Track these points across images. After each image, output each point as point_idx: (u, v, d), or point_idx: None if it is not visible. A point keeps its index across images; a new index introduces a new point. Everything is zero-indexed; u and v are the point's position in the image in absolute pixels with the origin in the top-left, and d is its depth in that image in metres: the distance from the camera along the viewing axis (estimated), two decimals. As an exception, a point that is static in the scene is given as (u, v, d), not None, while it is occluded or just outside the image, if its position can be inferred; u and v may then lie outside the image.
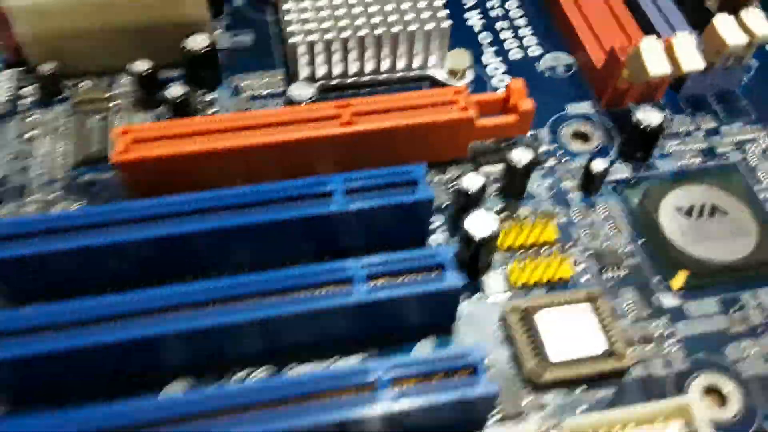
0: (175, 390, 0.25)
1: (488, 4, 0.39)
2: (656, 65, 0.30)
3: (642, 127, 0.30)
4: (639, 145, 0.31)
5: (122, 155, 0.28)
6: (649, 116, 0.31)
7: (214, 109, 0.33)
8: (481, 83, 0.35)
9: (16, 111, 0.33)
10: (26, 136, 0.32)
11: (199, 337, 0.24)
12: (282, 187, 0.27)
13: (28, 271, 0.25)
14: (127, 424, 0.21)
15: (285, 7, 0.33)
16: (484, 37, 0.37)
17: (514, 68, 0.36)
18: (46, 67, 0.33)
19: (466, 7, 0.39)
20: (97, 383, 0.25)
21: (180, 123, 0.29)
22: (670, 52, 0.31)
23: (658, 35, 0.33)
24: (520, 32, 0.38)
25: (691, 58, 0.31)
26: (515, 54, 0.37)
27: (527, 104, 0.30)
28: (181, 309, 0.24)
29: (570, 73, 0.36)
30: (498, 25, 0.38)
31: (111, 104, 0.33)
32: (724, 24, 0.32)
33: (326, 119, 0.29)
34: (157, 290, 0.24)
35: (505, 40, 0.37)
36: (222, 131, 0.29)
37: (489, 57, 0.36)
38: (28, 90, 0.34)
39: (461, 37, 0.37)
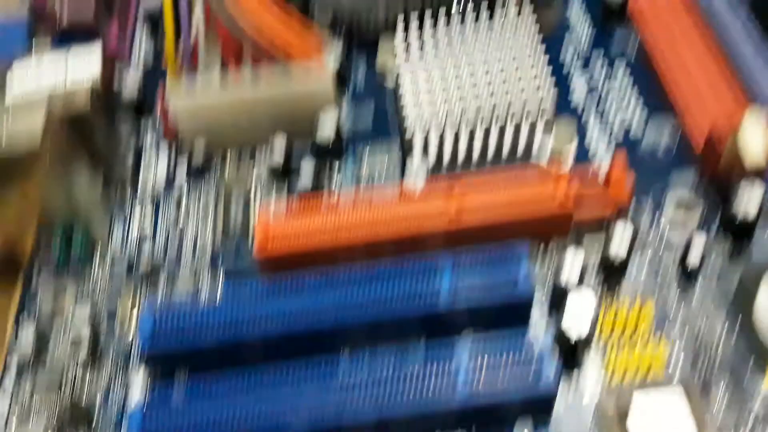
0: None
1: (594, 73, 0.40)
2: (756, 154, 0.31)
3: (739, 216, 0.31)
4: (739, 228, 0.32)
5: (262, 253, 0.33)
6: (747, 206, 0.31)
7: (338, 178, 0.38)
8: (584, 154, 0.37)
9: (172, 189, 0.39)
10: (180, 211, 0.38)
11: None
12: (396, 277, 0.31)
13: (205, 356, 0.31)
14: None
15: (402, 103, 0.37)
16: (588, 105, 0.39)
17: (616, 138, 0.38)
18: (198, 148, 0.39)
19: (571, 74, 0.41)
20: None
21: (311, 220, 0.33)
22: (773, 138, 0.31)
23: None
24: (624, 99, 0.39)
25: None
26: (618, 123, 0.38)
27: (624, 195, 0.32)
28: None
29: (675, 141, 0.37)
30: (601, 90, 0.40)
31: (252, 178, 0.39)
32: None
33: (435, 215, 0.33)
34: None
35: (608, 106, 0.39)
36: (347, 226, 0.33)
37: (592, 126, 0.38)
38: (180, 169, 0.40)
39: (563, 105, 0.39)
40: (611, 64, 0.41)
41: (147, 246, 0.37)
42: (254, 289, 0.31)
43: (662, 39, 0.39)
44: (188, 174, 0.39)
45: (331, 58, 0.40)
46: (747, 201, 0.32)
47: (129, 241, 0.37)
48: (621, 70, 0.40)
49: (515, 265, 0.30)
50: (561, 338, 0.30)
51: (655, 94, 0.39)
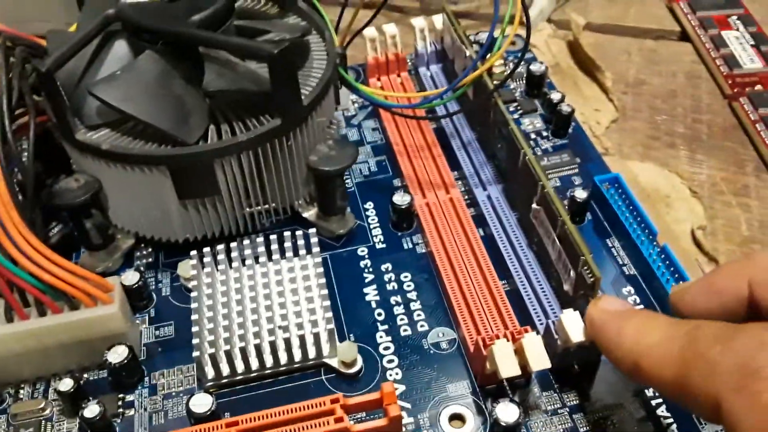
0: None
1: (385, 277, 0.44)
2: (506, 367, 0.35)
3: (501, 425, 0.34)
4: (503, 436, 0.35)
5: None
6: (506, 413, 0.34)
7: (131, 412, 0.38)
8: (373, 363, 0.40)
9: (-40, 426, 0.38)
10: (-33, 451, 0.37)
11: None
12: None
13: None
14: None
15: (193, 317, 0.38)
16: (379, 313, 0.42)
17: (403, 345, 0.40)
18: (-14, 385, 0.38)
19: (365, 280, 0.44)
20: None
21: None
22: (521, 352, 0.35)
23: (528, 322, 0.38)
24: (411, 306, 0.42)
25: (538, 358, 0.35)
26: (405, 330, 0.41)
27: (395, 410, 0.34)
28: None
29: (453, 348, 0.40)
30: (392, 299, 0.43)
31: (44, 413, 0.38)
32: (570, 320, 0.36)
33: (217, 439, 0.34)
34: None
35: (397, 315, 0.42)
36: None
37: (380, 335, 0.41)
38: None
39: (357, 310, 0.42)
40: (399, 270, 0.44)
41: None
42: None
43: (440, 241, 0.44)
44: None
45: (130, 276, 0.41)
46: (504, 413, 0.34)
47: None
48: (407, 278, 0.44)
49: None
50: None
51: (437, 301, 0.42)
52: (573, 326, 0.36)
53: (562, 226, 0.37)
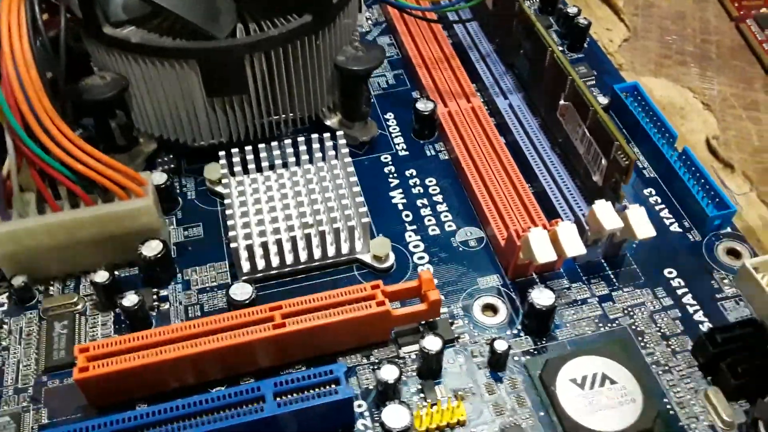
0: None
1: (410, 182, 0.44)
2: (543, 253, 0.35)
3: (536, 307, 0.35)
4: (536, 321, 0.36)
5: (81, 374, 0.32)
6: (541, 298, 0.35)
7: (166, 306, 0.38)
8: (404, 260, 0.40)
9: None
10: (1, 344, 0.36)
11: None
12: (224, 395, 0.31)
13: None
14: None
15: (228, 212, 0.38)
16: (407, 215, 0.42)
17: (432, 244, 0.41)
18: (19, 280, 0.37)
19: (391, 185, 0.44)
20: None
21: (133, 337, 0.33)
22: (555, 240, 0.36)
23: (558, 217, 0.39)
24: (438, 208, 0.43)
25: (573, 244, 0.36)
26: (433, 230, 0.42)
27: (435, 294, 0.35)
28: None
29: (482, 246, 0.41)
30: (418, 202, 0.43)
31: (76, 308, 0.38)
32: (602, 210, 0.37)
33: (261, 322, 0.34)
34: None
35: (424, 216, 0.42)
36: (170, 342, 0.33)
37: (409, 234, 0.41)
38: (1, 299, 0.38)
39: (385, 213, 0.42)
40: (424, 176, 0.45)
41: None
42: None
43: (464, 147, 0.44)
44: (9, 304, 0.38)
45: (158, 176, 0.41)
46: (539, 297, 0.35)
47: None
48: (432, 182, 0.44)
49: (336, 373, 0.32)
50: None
51: (463, 204, 0.43)
52: (605, 215, 0.36)
53: (594, 114, 0.38)
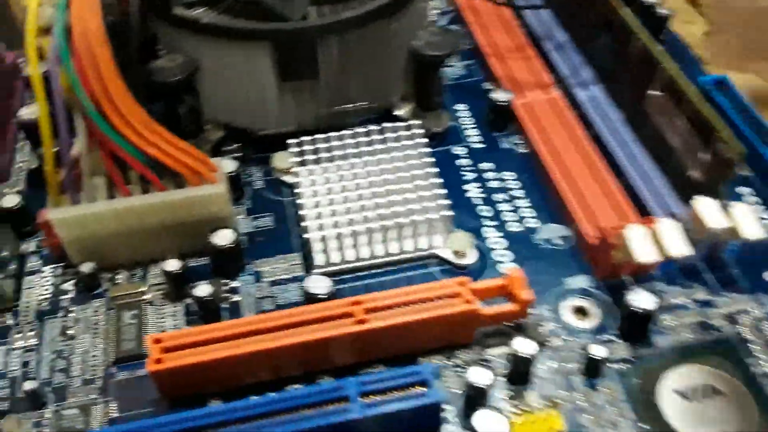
0: None
1: (486, 176, 0.42)
2: (643, 253, 0.33)
3: (635, 311, 0.33)
4: (633, 326, 0.33)
5: (156, 365, 0.30)
6: (641, 300, 0.33)
7: (237, 297, 0.36)
8: (481, 257, 0.38)
9: (58, 308, 0.36)
10: (68, 332, 0.35)
11: None
12: (304, 393, 0.29)
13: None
14: None
15: (300, 201, 0.37)
16: (484, 211, 0.40)
17: (513, 241, 0.39)
18: (86, 267, 0.36)
19: (465, 179, 0.42)
20: None
21: (207, 329, 0.31)
22: (657, 238, 0.33)
23: (648, 215, 0.36)
24: (517, 203, 0.40)
25: (677, 244, 0.33)
26: (514, 226, 0.39)
27: (527, 294, 0.33)
28: None
29: (567, 244, 0.38)
30: (496, 197, 0.41)
31: (145, 297, 0.36)
32: (705, 207, 0.34)
33: (341, 317, 0.32)
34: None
35: (502, 212, 0.40)
36: (245, 334, 0.31)
37: (489, 231, 0.39)
38: (68, 286, 0.37)
39: (459, 207, 0.40)
40: (500, 170, 0.42)
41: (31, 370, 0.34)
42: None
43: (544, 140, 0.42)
44: (76, 292, 0.37)
45: (228, 164, 0.39)
46: (638, 300, 0.33)
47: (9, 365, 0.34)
48: (511, 177, 0.42)
49: (424, 374, 0.30)
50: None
51: (544, 199, 0.40)
52: (709, 213, 0.34)
53: (695, 105, 0.35)
